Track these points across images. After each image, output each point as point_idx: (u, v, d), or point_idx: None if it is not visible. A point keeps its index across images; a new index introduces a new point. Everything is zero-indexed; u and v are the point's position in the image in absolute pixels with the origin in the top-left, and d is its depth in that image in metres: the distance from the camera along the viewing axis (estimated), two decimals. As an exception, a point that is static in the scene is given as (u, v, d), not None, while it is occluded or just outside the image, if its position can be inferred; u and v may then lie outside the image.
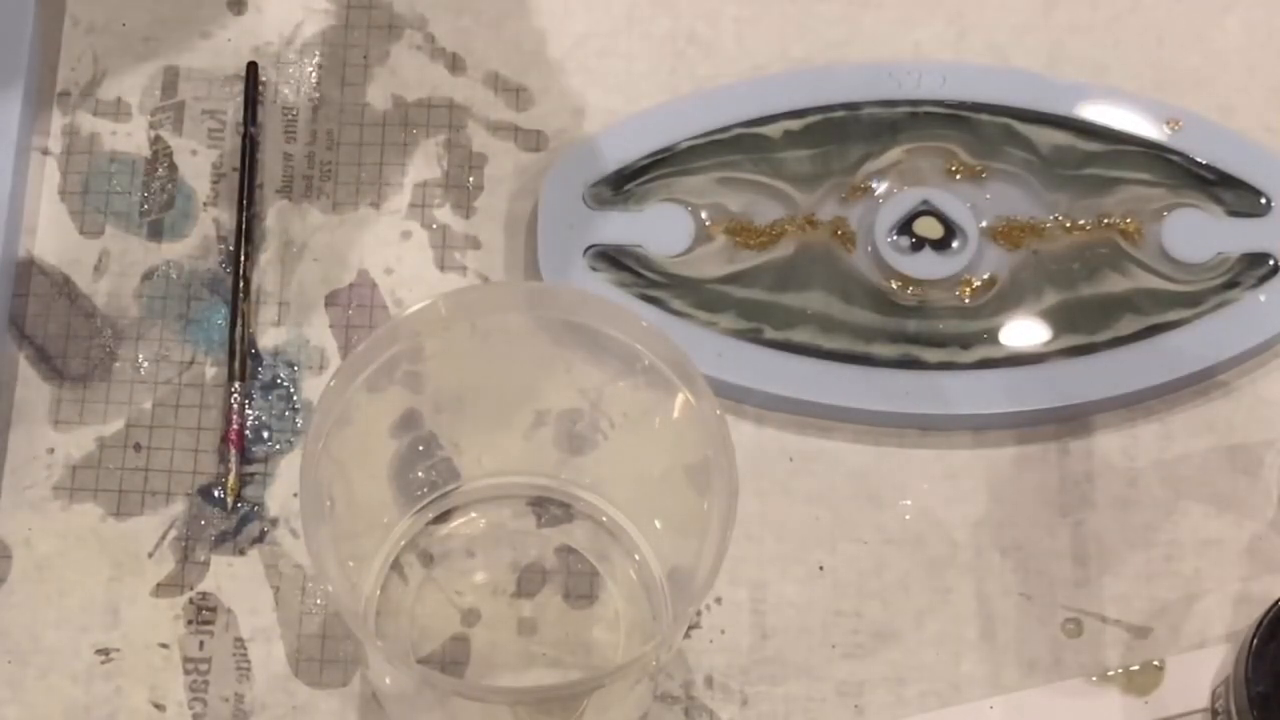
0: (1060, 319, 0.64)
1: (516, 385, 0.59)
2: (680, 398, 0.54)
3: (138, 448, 0.63)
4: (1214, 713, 0.59)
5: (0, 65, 0.66)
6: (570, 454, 0.61)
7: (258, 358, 0.64)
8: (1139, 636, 0.61)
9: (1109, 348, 0.63)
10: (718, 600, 0.61)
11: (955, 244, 0.64)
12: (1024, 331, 0.64)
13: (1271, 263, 0.64)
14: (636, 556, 0.61)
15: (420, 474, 0.61)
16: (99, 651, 0.61)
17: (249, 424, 0.63)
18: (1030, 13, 0.68)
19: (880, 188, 0.65)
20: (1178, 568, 0.62)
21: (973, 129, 0.66)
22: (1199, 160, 0.66)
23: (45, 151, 0.67)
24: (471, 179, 0.66)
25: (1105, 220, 0.65)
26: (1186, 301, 0.64)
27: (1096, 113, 0.66)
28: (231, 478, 0.62)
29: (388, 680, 0.58)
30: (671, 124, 0.66)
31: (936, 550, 0.62)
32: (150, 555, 0.62)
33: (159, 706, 0.60)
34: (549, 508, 0.62)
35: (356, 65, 0.68)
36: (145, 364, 0.64)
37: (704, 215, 0.65)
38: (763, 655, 0.61)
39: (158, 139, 0.67)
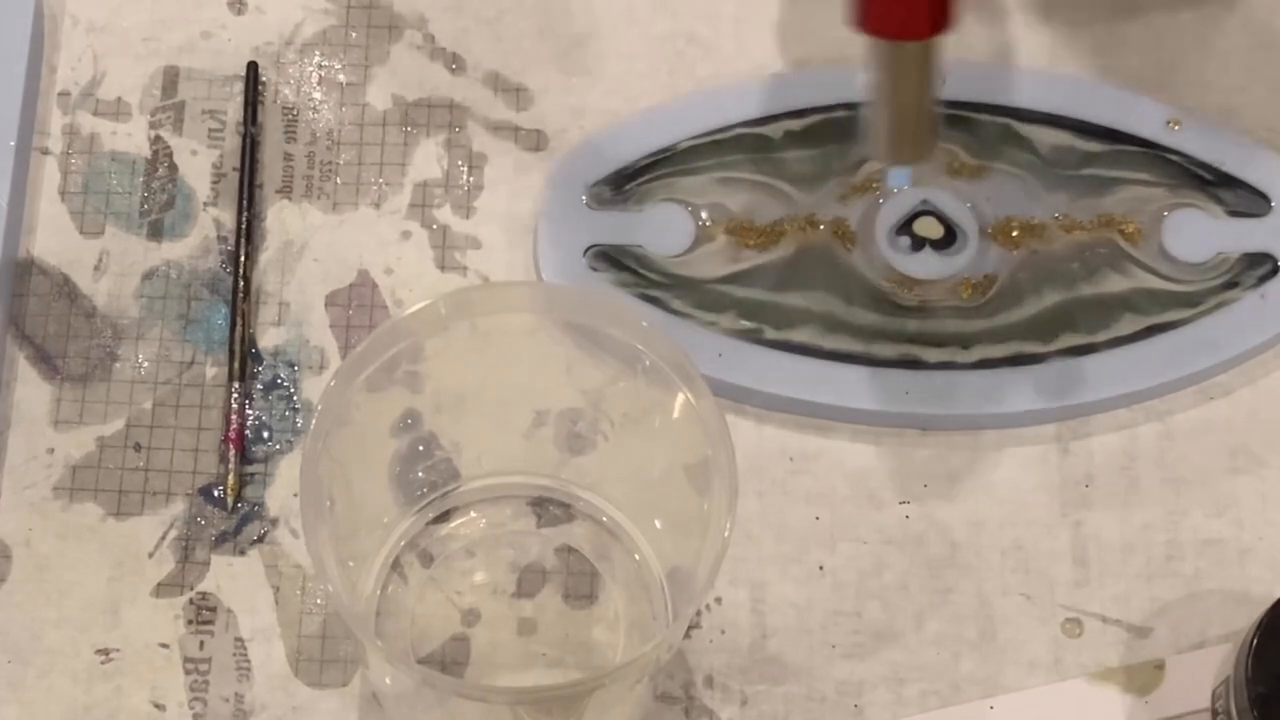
0: (1060, 319, 0.64)
1: (516, 385, 0.59)
2: (680, 398, 0.54)
3: (138, 448, 0.63)
4: (1214, 713, 0.59)
5: (0, 65, 0.66)
6: (570, 454, 0.61)
7: (258, 358, 0.64)
8: (1139, 636, 0.61)
9: (1109, 348, 0.63)
10: (718, 600, 0.61)
11: (955, 244, 0.64)
12: (1024, 331, 0.63)
13: (1272, 263, 0.64)
14: (636, 556, 0.61)
15: (420, 474, 0.61)
16: (99, 651, 0.61)
17: (249, 424, 0.63)
18: (1030, 13, 0.68)
19: (880, 188, 0.65)
20: (1178, 568, 0.62)
21: (973, 129, 0.66)
22: (1199, 160, 0.66)
23: (45, 151, 0.67)
24: (471, 179, 0.66)
25: (1105, 220, 0.65)
26: (1186, 301, 0.64)
27: (1096, 113, 0.66)
28: (231, 478, 0.62)
29: (388, 680, 0.58)
30: (671, 124, 0.66)
31: (936, 550, 0.62)
32: (150, 555, 0.62)
33: (159, 706, 0.60)
34: (549, 508, 0.62)
35: (356, 65, 0.68)
36: (145, 364, 0.64)
37: (704, 215, 0.65)
38: (763, 655, 0.61)
39: (158, 139, 0.67)
